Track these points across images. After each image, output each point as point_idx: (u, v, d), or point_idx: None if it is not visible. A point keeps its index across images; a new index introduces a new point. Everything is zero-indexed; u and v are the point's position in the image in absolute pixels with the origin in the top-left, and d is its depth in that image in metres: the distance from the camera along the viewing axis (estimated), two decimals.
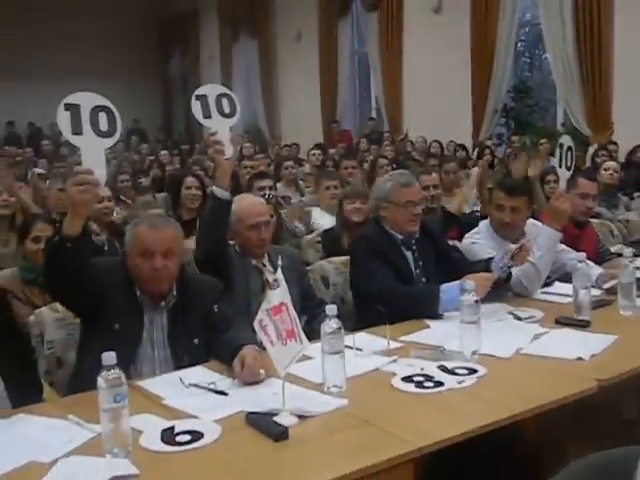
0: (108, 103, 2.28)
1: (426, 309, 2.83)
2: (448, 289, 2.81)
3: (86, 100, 2.23)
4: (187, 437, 1.82)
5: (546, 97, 10.48)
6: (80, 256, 2.23)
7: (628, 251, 2.96)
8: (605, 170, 5.80)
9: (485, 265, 3.03)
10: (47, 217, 3.77)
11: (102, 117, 2.24)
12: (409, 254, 3.15)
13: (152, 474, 1.66)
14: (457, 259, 3.27)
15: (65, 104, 2.21)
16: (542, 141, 7.91)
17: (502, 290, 2.96)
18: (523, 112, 10.13)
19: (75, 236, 2.19)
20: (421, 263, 3.17)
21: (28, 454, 1.75)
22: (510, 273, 2.95)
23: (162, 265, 2.38)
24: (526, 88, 10.31)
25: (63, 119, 2.20)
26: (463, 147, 9.02)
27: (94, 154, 2.23)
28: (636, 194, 6.24)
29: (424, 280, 3.14)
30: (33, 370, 2.42)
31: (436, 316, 2.81)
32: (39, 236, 3.39)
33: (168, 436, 1.82)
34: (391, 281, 2.97)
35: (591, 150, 7.99)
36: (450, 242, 3.58)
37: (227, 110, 2.79)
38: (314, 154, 8.80)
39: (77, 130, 2.21)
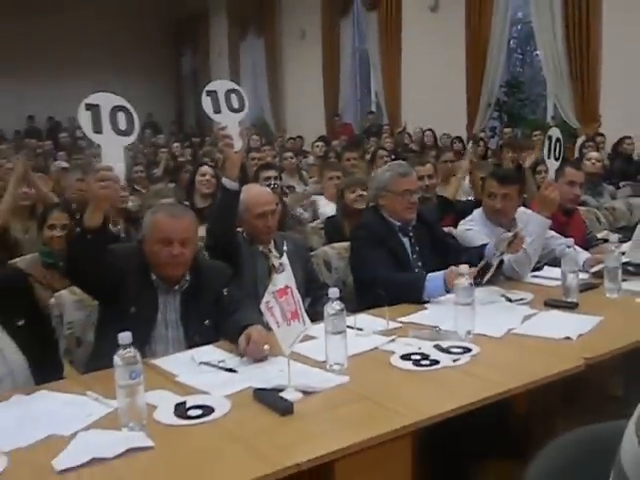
0: (126, 103, 2.27)
1: (412, 295, 2.84)
2: (433, 278, 2.83)
3: (106, 100, 2.23)
4: (199, 411, 1.83)
5: (537, 92, 10.45)
6: (100, 247, 2.25)
7: (614, 237, 2.96)
8: (588, 160, 5.81)
9: (479, 251, 3.03)
10: (63, 206, 3.78)
11: (121, 117, 2.24)
12: (406, 240, 3.16)
13: (166, 446, 1.66)
14: (452, 245, 3.27)
15: (86, 104, 2.20)
16: (536, 133, 7.89)
17: (495, 275, 2.95)
18: (515, 106, 10.10)
19: (95, 228, 2.20)
20: (417, 248, 3.17)
21: (49, 427, 1.76)
22: (502, 259, 2.95)
23: (179, 252, 2.38)
24: (518, 83, 10.27)
25: (84, 118, 2.20)
26: (460, 139, 8.98)
27: (114, 151, 2.22)
28: (622, 183, 6.23)
29: (420, 264, 3.14)
30: (54, 350, 2.43)
31: (420, 301, 2.83)
32: (54, 224, 3.46)
33: (181, 410, 1.83)
34: (384, 269, 2.98)
35: (579, 141, 7.97)
36: (445, 229, 3.59)
37: (236, 105, 2.77)
38: (317, 146, 8.78)
39: (98, 129, 2.21)
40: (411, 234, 3.17)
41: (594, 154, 6.06)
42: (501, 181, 3.31)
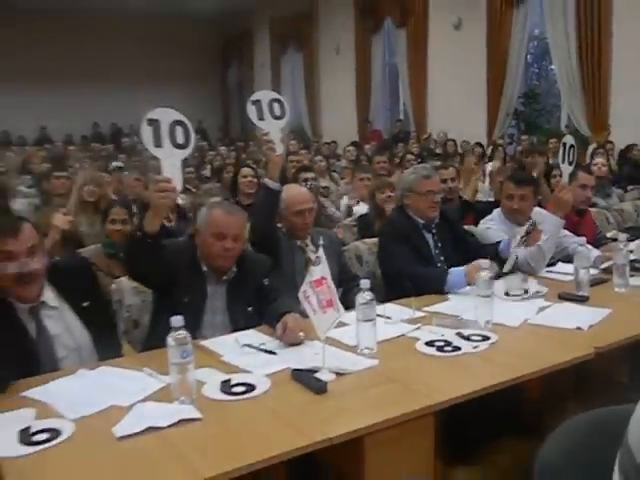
0: (184, 118, 2.24)
1: (434, 288, 2.82)
2: (455, 272, 2.80)
3: (165, 115, 2.19)
4: (242, 388, 1.83)
5: (552, 102, 10.27)
6: (157, 249, 2.26)
7: (622, 236, 2.90)
8: (595, 165, 5.80)
9: (495, 248, 2.99)
10: (122, 203, 3.84)
11: (179, 131, 2.21)
12: (429, 237, 3.13)
13: (212, 419, 1.67)
14: (471, 242, 3.23)
15: (147, 119, 2.17)
16: (552, 141, 7.79)
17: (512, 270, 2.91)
18: (531, 115, 9.94)
19: (154, 233, 2.22)
20: (440, 244, 3.14)
21: (110, 399, 1.79)
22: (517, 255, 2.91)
23: (231, 247, 2.39)
24: (534, 95, 10.10)
25: (146, 132, 2.17)
26: (480, 145, 8.88)
27: (172, 163, 2.20)
28: (629, 187, 6.13)
29: (442, 259, 3.11)
30: (114, 330, 2.46)
31: (442, 293, 2.80)
32: (115, 219, 3.52)
33: (226, 387, 1.84)
34: (408, 263, 2.96)
35: (590, 149, 7.85)
36: (467, 227, 3.56)
37: (278, 113, 2.76)
38: (349, 150, 8.74)
39: (158, 143, 2.18)
40: (434, 231, 3.14)
41: (599, 159, 6.07)
42: (518, 183, 3.28)
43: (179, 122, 2.22)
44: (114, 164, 7.69)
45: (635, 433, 1.01)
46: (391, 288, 2.96)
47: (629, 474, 1.03)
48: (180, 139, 2.21)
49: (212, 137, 15.87)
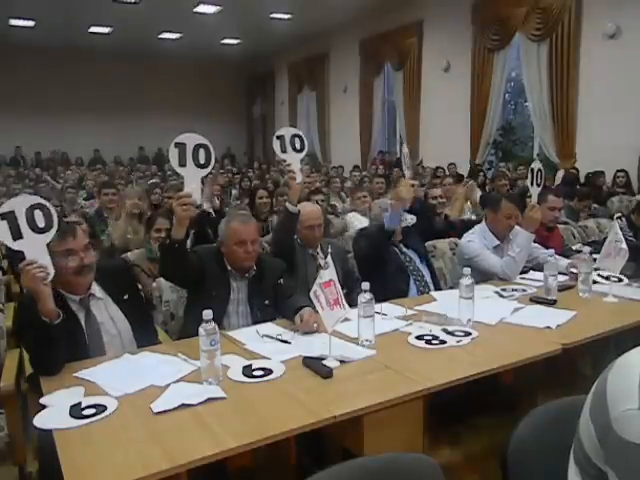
0: (206, 142, 2.21)
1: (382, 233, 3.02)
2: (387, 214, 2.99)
3: (190, 139, 2.17)
4: (261, 372, 1.83)
5: (525, 134, 10.24)
6: (184, 252, 2.31)
7: (586, 249, 2.88)
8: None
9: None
10: (165, 214, 3.84)
11: (201, 152, 2.18)
12: None
13: (235, 398, 1.67)
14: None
15: (175, 143, 2.15)
16: (520, 167, 7.78)
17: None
18: (508, 145, 9.91)
19: (180, 240, 2.24)
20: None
21: (149, 379, 1.79)
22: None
23: (252, 249, 2.44)
24: (511, 127, 10.07)
25: (173, 153, 2.15)
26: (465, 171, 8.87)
27: (193, 181, 2.18)
28: (593, 206, 6.08)
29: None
30: (150, 320, 2.45)
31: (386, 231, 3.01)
32: (160, 228, 3.50)
33: (247, 371, 1.84)
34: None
35: (559, 174, 7.85)
36: (452, 239, 3.59)
37: (298, 147, 2.76)
38: (355, 175, 8.76)
39: (182, 162, 2.15)
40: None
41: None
42: (515, 203, 3.26)
43: (202, 145, 2.19)
44: (151, 181, 7.73)
45: (584, 427, 1.00)
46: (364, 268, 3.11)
47: (582, 464, 1.02)
48: (202, 159, 2.19)
49: (239, 161, 15.92)
